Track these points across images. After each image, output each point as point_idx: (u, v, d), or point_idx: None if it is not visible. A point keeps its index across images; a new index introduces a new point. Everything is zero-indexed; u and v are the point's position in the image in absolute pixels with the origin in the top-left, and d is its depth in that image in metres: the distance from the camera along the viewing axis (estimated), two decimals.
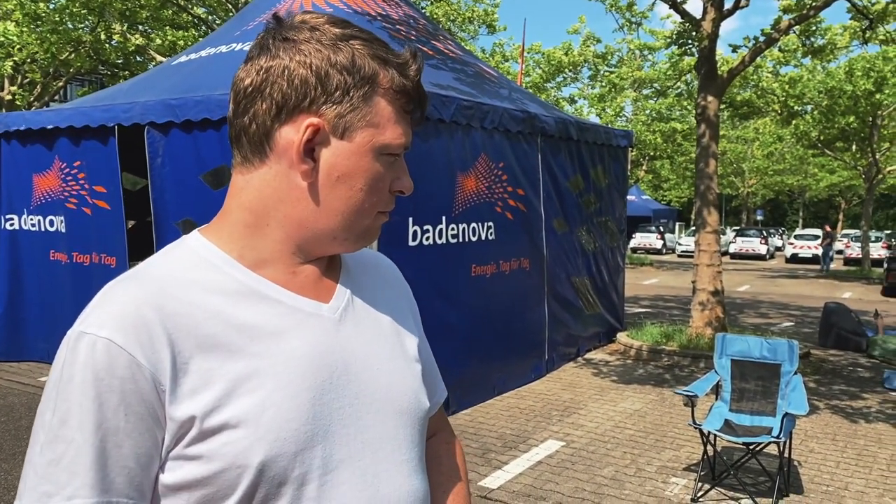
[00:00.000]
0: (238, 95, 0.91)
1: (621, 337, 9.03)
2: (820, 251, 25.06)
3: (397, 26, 7.11)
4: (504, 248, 6.85)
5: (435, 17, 18.33)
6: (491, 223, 6.67)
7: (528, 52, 24.41)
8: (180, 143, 6.03)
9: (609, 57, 24.78)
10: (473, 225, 6.45)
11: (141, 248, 7.12)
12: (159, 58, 13.28)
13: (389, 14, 7.23)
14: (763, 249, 31.00)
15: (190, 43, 13.40)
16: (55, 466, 0.80)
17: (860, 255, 24.06)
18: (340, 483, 0.90)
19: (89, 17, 14.28)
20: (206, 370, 0.85)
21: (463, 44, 20.35)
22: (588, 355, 8.63)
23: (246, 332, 0.88)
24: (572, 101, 26.36)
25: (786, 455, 4.54)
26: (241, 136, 0.92)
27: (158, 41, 13.42)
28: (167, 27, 13.80)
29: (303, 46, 0.88)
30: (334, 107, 0.88)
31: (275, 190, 0.91)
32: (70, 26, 13.99)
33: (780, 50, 12.53)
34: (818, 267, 26.02)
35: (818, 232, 31.39)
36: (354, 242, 0.97)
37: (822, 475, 4.96)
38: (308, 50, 0.88)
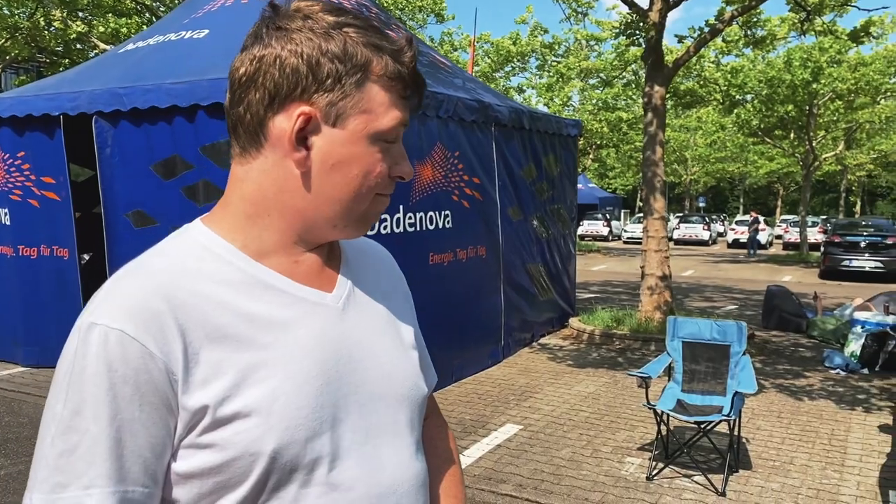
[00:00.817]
0: (233, 85, 0.92)
1: (574, 322, 9.20)
2: (752, 237, 25.95)
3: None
4: (461, 237, 6.92)
5: (384, 5, 18.22)
6: (448, 211, 6.72)
7: (478, 42, 24.47)
8: (130, 132, 5.91)
9: (556, 47, 25.02)
10: (431, 213, 6.49)
11: (87, 239, 6.97)
12: (102, 45, 12.90)
13: (342, 3, 7.18)
14: (706, 235, 31.85)
15: (134, 30, 13.04)
16: (69, 457, 0.80)
17: (798, 240, 24.92)
18: (348, 468, 0.92)
19: (27, 3, 13.77)
20: (216, 360, 0.86)
21: (413, 33, 20.28)
22: (543, 340, 8.78)
23: (254, 323, 0.89)
24: (521, 90, 26.56)
25: (735, 433, 4.73)
26: (237, 126, 0.92)
27: (101, 28, 13.01)
28: (109, 14, 13.40)
29: (295, 35, 0.88)
30: (326, 95, 0.88)
31: (273, 180, 0.92)
32: (6, 12, 13.47)
33: (723, 40, 12.85)
34: (760, 251, 26.89)
35: (760, 217, 32.41)
36: (355, 229, 0.97)
37: (768, 451, 5.18)
38: (300, 39, 0.88)
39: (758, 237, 25.90)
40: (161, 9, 14.22)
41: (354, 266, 1.06)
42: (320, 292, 0.97)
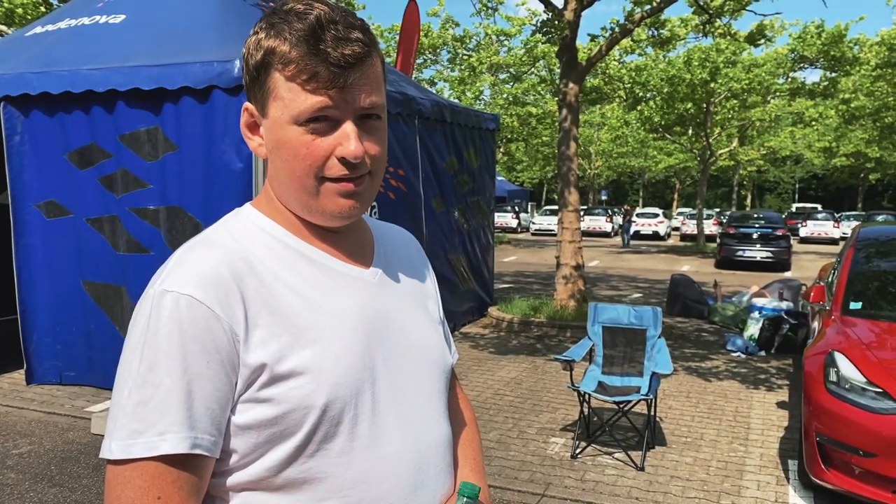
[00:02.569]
0: None
1: (493, 311, 9.44)
2: (626, 228, 27.34)
3: (270, 4, 6.98)
4: None
5: None
6: (375, 203, 6.77)
7: (389, 33, 24.45)
8: (42, 120, 5.66)
9: (467, 41, 25.32)
10: None
11: None
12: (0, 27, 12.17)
13: None
14: (608, 227, 32.98)
15: (30, 11, 12.36)
16: (144, 407, 0.89)
17: (696, 232, 26.23)
18: (387, 424, 1.02)
19: None
20: (273, 324, 0.96)
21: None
22: (464, 329, 8.97)
23: (303, 293, 1.00)
24: (433, 83, 26.74)
25: (652, 412, 5.02)
26: None
27: None
28: None
29: (249, 37, 1.01)
30: (254, 88, 1.00)
31: (268, 171, 1.05)
32: None
33: (631, 40, 13.40)
34: (659, 243, 28.14)
35: (658, 210, 33.88)
36: (320, 214, 1.01)
37: (681, 428, 5.53)
38: (248, 39, 1.00)
39: (630, 228, 27.38)
40: None
41: (386, 248, 1.17)
42: (359, 268, 1.08)
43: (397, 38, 24.91)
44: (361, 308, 1.04)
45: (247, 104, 1.03)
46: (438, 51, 25.73)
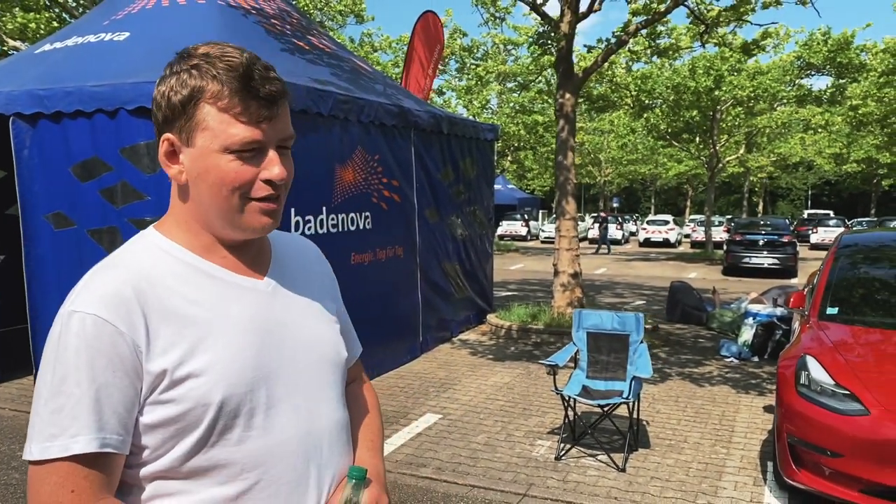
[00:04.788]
0: None
1: (491, 318, 9.59)
2: (603, 236, 27.46)
3: (272, 20, 7.22)
4: (380, 237, 7.18)
5: (305, 8, 18.22)
6: (368, 213, 6.96)
7: (398, 44, 24.72)
8: (49, 134, 5.89)
9: (475, 50, 25.54)
10: (352, 215, 6.73)
11: (1, 240, 6.86)
12: (11, 42, 12.50)
13: (264, 8, 7.33)
14: (619, 235, 33.01)
15: (43, 26, 12.69)
16: (58, 414, 1.05)
17: (704, 239, 26.23)
18: (280, 414, 1.18)
19: None
20: (171, 334, 1.11)
21: (331, 33, 20.34)
22: (462, 336, 9.14)
23: (199, 305, 1.15)
24: (441, 92, 26.96)
25: (635, 415, 5.16)
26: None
27: (10, 25, 12.61)
28: (17, 8, 12.99)
29: (164, 79, 1.14)
30: (178, 122, 1.12)
31: (178, 195, 1.19)
32: None
33: (629, 50, 13.56)
34: (669, 250, 28.16)
35: (669, 217, 33.89)
36: (242, 230, 1.18)
37: (665, 431, 5.66)
38: (164, 81, 1.13)
39: (608, 234, 27.50)
40: (72, 3, 13.87)
41: (283, 259, 1.32)
42: (253, 279, 1.23)
43: (405, 49, 25.24)
44: (254, 314, 1.19)
45: (167, 135, 1.14)
46: (447, 61, 25.96)
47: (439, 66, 13.23)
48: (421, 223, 7.96)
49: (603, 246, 27.13)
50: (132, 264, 1.15)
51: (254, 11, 7.09)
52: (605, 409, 5.05)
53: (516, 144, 26.92)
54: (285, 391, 1.20)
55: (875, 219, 39.57)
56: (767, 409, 6.25)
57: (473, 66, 24.90)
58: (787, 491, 4.46)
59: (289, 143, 1.18)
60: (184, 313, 1.13)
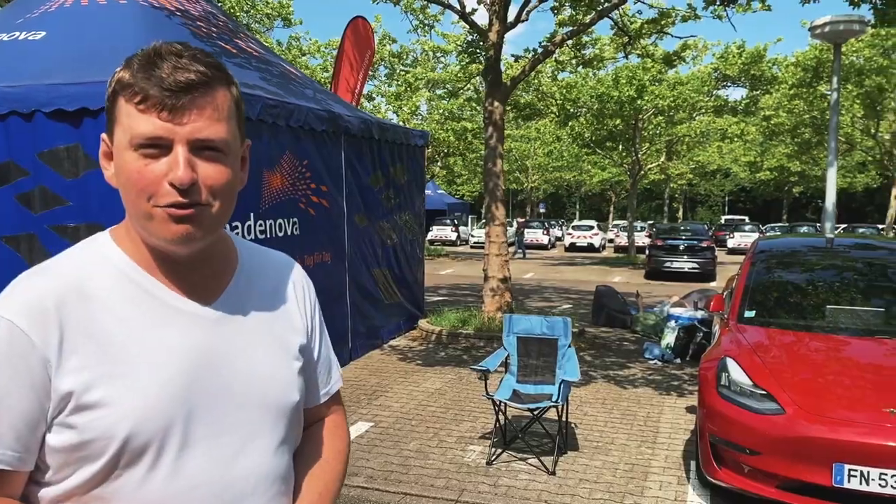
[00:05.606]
0: None
1: (422, 323, 9.60)
2: (519, 241, 28.26)
3: (197, 23, 7.05)
4: (307, 243, 7.10)
5: (231, 11, 17.85)
6: (296, 219, 6.87)
7: (327, 48, 24.52)
8: None
9: (404, 56, 25.58)
10: (280, 221, 6.63)
11: None
12: None
13: (189, 10, 7.14)
14: (545, 239, 33.61)
15: None
16: None
17: (628, 244, 26.95)
18: (194, 458, 1.05)
19: None
20: (87, 355, 1.01)
21: (258, 36, 20.00)
22: (393, 342, 9.11)
23: (129, 326, 1.04)
24: (370, 98, 26.88)
25: (564, 418, 5.25)
26: None
27: None
28: None
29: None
30: (108, 118, 1.05)
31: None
32: None
33: (556, 60, 13.85)
34: (594, 255, 28.84)
35: (593, 223, 34.70)
36: (155, 238, 1.05)
37: (593, 433, 5.78)
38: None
39: (523, 240, 28.30)
40: None
41: (248, 281, 1.19)
42: (197, 304, 1.11)
43: (334, 53, 25.06)
44: (187, 344, 1.07)
45: (103, 134, 1.08)
46: (376, 66, 25.89)
47: (368, 74, 13.20)
48: (350, 229, 7.91)
49: (518, 251, 27.66)
50: (67, 272, 1.05)
51: (178, 13, 6.90)
52: (535, 412, 5.12)
53: (446, 150, 27.07)
54: (207, 432, 1.07)
55: (787, 224, 41.52)
56: (690, 409, 6.46)
57: (403, 73, 24.93)
58: (709, 489, 4.61)
59: (214, 145, 1.02)
60: (107, 333, 1.03)
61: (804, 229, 34.71)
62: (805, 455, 3.87)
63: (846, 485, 3.73)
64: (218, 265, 1.16)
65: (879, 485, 3.67)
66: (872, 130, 25.23)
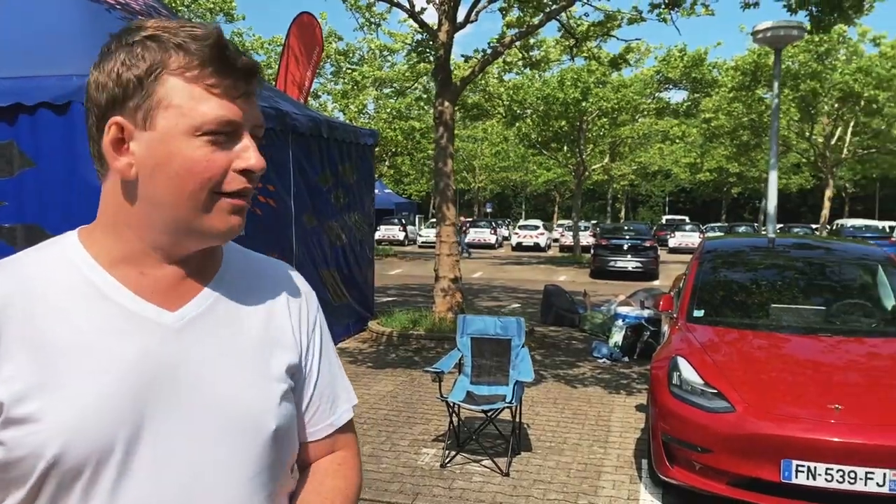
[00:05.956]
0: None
1: (372, 325, 9.51)
2: (461, 240, 28.78)
3: (139, 17, 6.81)
4: (254, 243, 6.67)
5: (172, 6, 17.39)
6: None
7: (271, 45, 24.12)
8: None
9: (351, 55, 25.36)
10: None
11: None
12: None
13: (129, 3, 6.90)
14: (493, 239, 33.86)
15: None
16: None
17: (573, 243, 27.31)
18: (136, 487, 0.91)
19: None
20: (24, 362, 0.89)
21: None
22: (342, 344, 8.99)
23: (76, 331, 0.92)
24: (316, 96, 26.57)
25: (517, 419, 5.25)
26: (91, 152, 0.99)
27: None
28: None
29: (107, 56, 0.94)
30: (131, 101, 0.91)
31: (117, 194, 0.96)
32: None
33: (504, 61, 13.93)
34: (540, 254, 29.12)
35: (539, 223, 35.08)
36: (199, 233, 0.96)
37: (546, 433, 5.79)
38: (108, 58, 0.93)
39: (465, 239, 28.79)
40: None
41: (229, 286, 1.05)
42: (160, 310, 0.97)
43: (279, 50, 24.67)
44: (140, 356, 0.93)
45: (116, 118, 0.92)
46: (322, 64, 25.59)
47: (316, 71, 13.02)
48: (298, 229, 7.76)
49: (463, 251, 27.88)
50: (19, 272, 0.95)
51: (118, 6, 6.66)
52: (489, 413, 5.10)
53: (394, 150, 26.97)
54: (153, 459, 0.92)
55: (726, 224, 42.71)
56: (639, 407, 6.54)
57: (349, 71, 24.71)
58: (661, 487, 4.66)
59: (260, 132, 0.99)
60: (50, 339, 0.91)
61: (742, 229, 35.77)
62: (755, 452, 3.94)
63: (794, 480, 3.81)
64: (195, 265, 1.01)
65: (826, 479, 3.76)
66: (807, 133, 26.14)
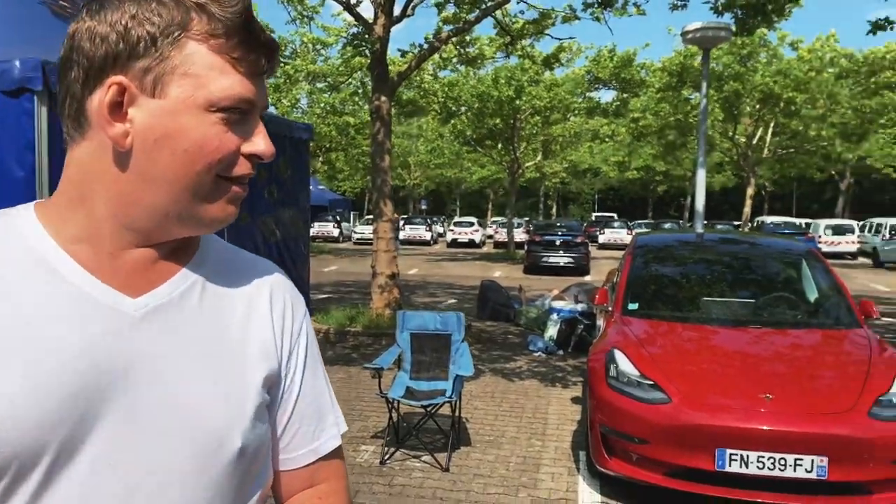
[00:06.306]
0: (58, 69, 0.85)
1: None
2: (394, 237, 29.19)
3: (61, 2, 6.49)
4: None
5: None
6: None
7: None
8: None
9: (283, 48, 24.89)
10: None
11: None
12: None
13: None
14: (428, 236, 33.91)
15: None
16: None
17: (507, 239, 27.58)
18: (67, 498, 0.77)
19: None
20: None
21: None
22: None
23: (16, 313, 0.79)
24: None
25: (457, 414, 5.24)
26: (62, 110, 0.84)
27: None
28: None
29: (107, 4, 0.81)
30: (140, 61, 0.79)
31: (95, 162, 0.82)
32: None
33: (441, 57, 13.93)
34: (475, 250, 29.30)
35: (474, 219, 35.33)
36: (195, 222, 0.86)
37: (485, 427, 5.81)
38: (111, 7, 0.80)
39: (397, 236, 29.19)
40: None
41: (207, 276, 0.91)
42: (119, 295, 0.83)
43: None
44: (89, 345, 0.80)
45: (119, 78, 0.79)
46: None
47: None
48: (231, 225, 7.52)
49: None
50: None
51: None
52: (429, 409, 5.08)
53: (328, 145, 26.65)
54: (95, 469, 0.78)
55: (652, 221, 43.88)
56: (575, 400, 6.63)
57: (282, 64, 24.27)
58: (599, 478, 4.73)
59: (265, 117, 0.91)
60: None
61: (668, 226, 36.84)
62: (690, 442, 4.03)
63: (728, 468, 3.92)
64: (169, 248, 0.88)
65: (757, 467, 3.88)
66: (730, 133, 27.08)
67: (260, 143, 0.86)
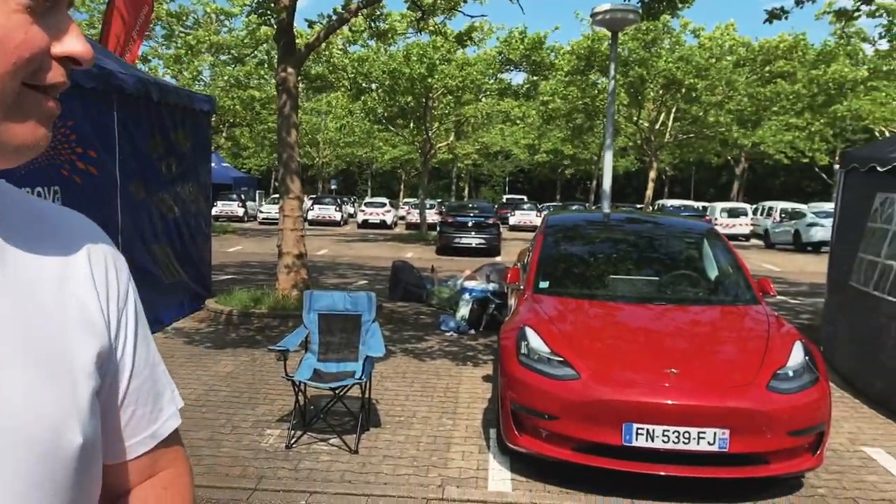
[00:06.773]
0: None
1: (210, 304, 8.98)
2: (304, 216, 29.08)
3: None
4: None
5: None
6: (57, 187, 6.04)
7: (93, 2, 22.12)
8: None
9: (184, 17, 23.80)
10: (38, 189, 5.78)
11: None
12: None
13: None
14: (338, 216, 33.39)
15: None
16: None
17: (419, 221, 27.49)
18: None
19: None
20: None
21: None
22: (177, 325, 8.42)
23: None
24: (146, 59, 24.76)
25: (367, 395, 5.11)
26: None
27: None
28: None
29: None
30: None
31: None
32: None
33: (350, 30, 13.59)
34: (386, 231, 29.07)
35: (385, 200, 35.06)
36: (8, 143, 0.66)
37: (395, 408, 5.71)
38: None
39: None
40: None
41: (8, 232, 0.71)
42: None
43: (102, 8, 22.69)
44: None
45: None
46: (153, 26, 23.85)
47: (145, 32, 12.03)
48: (124, 200, 7.11)
49: None
50: None
51: None
52: (338, 391, 4.93)
53: (231, 120, 25.74)
54: None
55: (560, 203, 44.76)
56: (486, 378, 6.62)
57: (183, 35, 23.20)
58: (509, 455, 4.71)
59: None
60: None
61: (575, 207, 37.66)
62: (598, 417, 4.05)
63: (634, 443, 3.96)
64: None
65: (662, 441, 3.94)
66: (634, 118, 27.82)
67: (74, 42, 0.67)
